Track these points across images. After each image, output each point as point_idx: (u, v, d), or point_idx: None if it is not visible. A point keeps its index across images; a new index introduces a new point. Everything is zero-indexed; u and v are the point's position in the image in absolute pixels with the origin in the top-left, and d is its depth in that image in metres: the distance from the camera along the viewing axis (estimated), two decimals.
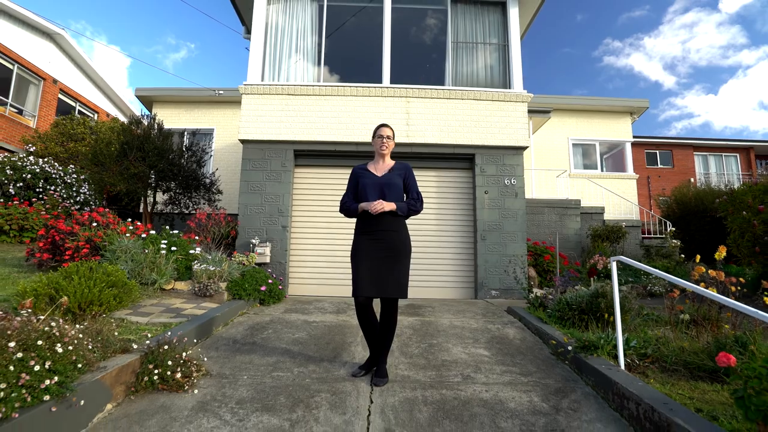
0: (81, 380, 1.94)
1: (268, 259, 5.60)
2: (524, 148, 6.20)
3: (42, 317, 1.89)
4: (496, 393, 2.41)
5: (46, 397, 1.69)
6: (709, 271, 2.99)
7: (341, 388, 2.41)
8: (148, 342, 2.42)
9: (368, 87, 6.26)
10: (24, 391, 1.60)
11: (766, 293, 2.94)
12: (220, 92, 10.65)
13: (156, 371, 2.27)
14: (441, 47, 6.64)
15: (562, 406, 2.27)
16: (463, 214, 6.25)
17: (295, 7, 6.58)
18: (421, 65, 6.78)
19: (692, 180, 15.72)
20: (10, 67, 10.76)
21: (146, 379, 2.26)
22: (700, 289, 2.04)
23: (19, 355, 1.62)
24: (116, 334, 2.43)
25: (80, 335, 1.97)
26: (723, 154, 17.96)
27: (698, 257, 3.06)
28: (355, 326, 3.77)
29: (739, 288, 2.79)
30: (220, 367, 2.69)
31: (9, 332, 1.64)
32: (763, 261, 4.96)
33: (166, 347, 2.34)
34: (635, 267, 2.71)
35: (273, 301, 4.64)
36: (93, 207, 8.25)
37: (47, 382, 1.70)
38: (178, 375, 2.33)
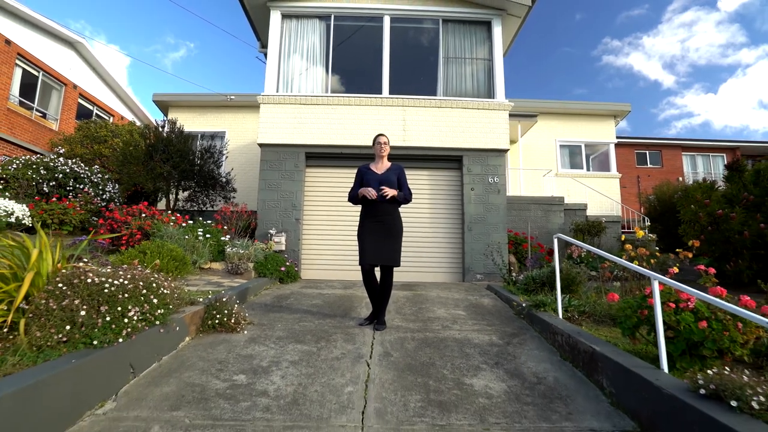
0: (172, 317, 2.79)
1: (283, 247, 6.46)
2: (505, 150, 7.05)
3: (148, 270, 2.75)
4: (465, 335, 3.27)
5: (158, 322, 2.54)
6: (639, 249, 3.86)
7: (351, 332, 3.27)
8: (209, 297, 3.27)
9: (370, 97, 7.12)
10: (148, 314, 2.45)
11: (677, 265, 3.80)
12: (232, 97, 11.49)
13: (217, 317, 3.13)
14: (433, 61, 7.49)
15: (513, 342, 3.13)
16: (453, 208, 7.11)
17: (305, 26, 7.44)
18: (416, 77, 7.63)
19: (680, 179, 16.48)
20: (36, 74, 11.60)
21: (209, 322, 3.12)
22: (605, 254, 2.90)
23: (144, 291, 2.47)
24: (186, 290, 3.28)
25: (173, 284, 2.82)
26: (710, 154, 18.71)
27: (623, 237, 3.90)
28: (360, 297, 4.63)
29: (654, 261, 3.64)
30: (259, 319, 3.54)
31: (137, 276, 2.49)
32: (707, 249, 5.80)
33: (224, 300, 3.20)
34: (586, 249, 3.55)
35: (290, 281, 5.51)
36: (117, 204, 9.11)
37: (158, 312, 2.55)
38: (232, 321, 3.18)
